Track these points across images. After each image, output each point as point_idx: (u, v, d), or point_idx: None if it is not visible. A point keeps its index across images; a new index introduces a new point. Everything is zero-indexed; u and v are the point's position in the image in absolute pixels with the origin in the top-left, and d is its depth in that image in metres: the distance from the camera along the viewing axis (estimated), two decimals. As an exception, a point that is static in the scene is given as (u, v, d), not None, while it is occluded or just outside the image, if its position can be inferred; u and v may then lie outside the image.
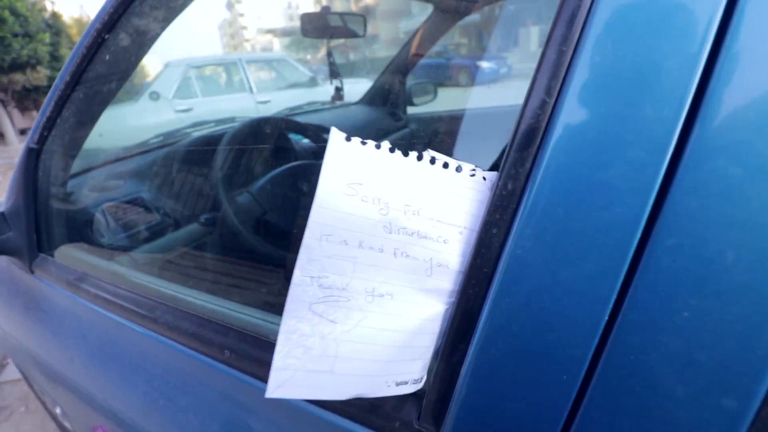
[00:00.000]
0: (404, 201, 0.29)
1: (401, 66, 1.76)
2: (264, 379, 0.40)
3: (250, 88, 4.06)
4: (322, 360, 0.29)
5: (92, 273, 0.77)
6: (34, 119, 0.81)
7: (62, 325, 0.79)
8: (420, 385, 0.34)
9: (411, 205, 0.30)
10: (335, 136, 0.29)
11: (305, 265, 0.28)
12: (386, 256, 0.30)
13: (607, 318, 0.26)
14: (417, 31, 1.60)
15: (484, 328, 0.30)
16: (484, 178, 0.31)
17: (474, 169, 0.31)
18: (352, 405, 0.39)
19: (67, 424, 1.19)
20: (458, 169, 0.31)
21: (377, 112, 1.83)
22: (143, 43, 0.71)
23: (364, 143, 0.29)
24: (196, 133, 1.34)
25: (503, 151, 0.29)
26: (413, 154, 0.30)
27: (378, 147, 0.29)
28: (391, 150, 0.29)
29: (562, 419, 0.28)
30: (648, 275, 0.24)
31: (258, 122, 1.14)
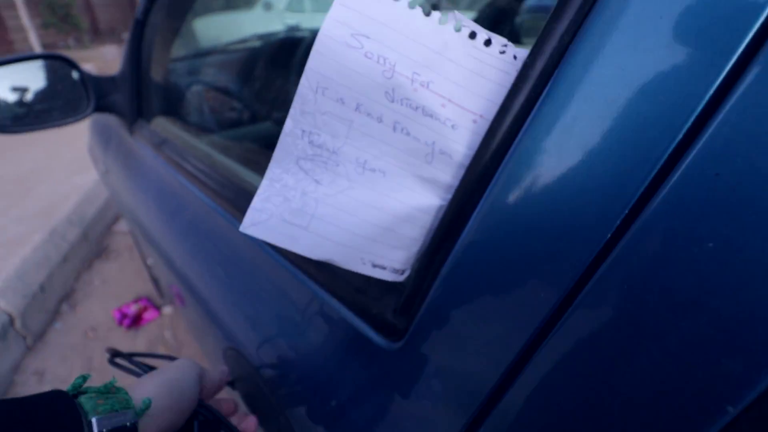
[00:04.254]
0: (413, 68, 0.26)
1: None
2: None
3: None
4: (300, 214, 0.29)
5: (174, 141, 0.87)
6: None
7: (147, 182, 0.92)
8: (400, 278, 0.33)
9: (421, 74, 0.26)
10: None
11: (298, 116, 0.27)
12: (385, 127, 0.28)
13: (610, 234, 0.21)
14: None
15: (470, 231, 0.27)
16: (515, 57, 0.26)
17: (506, 45, 0.26)
18: (339, 283, 0.39)
19: (156, 275, 1.43)
20: (487, 42, 0.26)
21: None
22: None
23: None
24: (283, 36, 1.37)
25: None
26: (436, 14, 0.26)
27: (396, -1, 0.26)
28: (411, 5, 0.26)
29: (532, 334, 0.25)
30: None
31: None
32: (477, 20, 1.64)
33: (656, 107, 0.19)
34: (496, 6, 1.66)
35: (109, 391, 0.31)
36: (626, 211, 0.21)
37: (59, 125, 0.88)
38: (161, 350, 1.58)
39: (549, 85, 0.23)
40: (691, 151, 0.19)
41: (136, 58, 0.93)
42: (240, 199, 0.57)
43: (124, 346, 1.59)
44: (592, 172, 0.21)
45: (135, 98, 0.97)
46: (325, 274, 0.41)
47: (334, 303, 0.39)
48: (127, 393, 0.33)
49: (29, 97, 0.88)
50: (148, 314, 1.70)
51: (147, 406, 0.32)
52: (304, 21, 3.91)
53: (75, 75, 0.91)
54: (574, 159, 0.22)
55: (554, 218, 0.23)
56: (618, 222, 0.21)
